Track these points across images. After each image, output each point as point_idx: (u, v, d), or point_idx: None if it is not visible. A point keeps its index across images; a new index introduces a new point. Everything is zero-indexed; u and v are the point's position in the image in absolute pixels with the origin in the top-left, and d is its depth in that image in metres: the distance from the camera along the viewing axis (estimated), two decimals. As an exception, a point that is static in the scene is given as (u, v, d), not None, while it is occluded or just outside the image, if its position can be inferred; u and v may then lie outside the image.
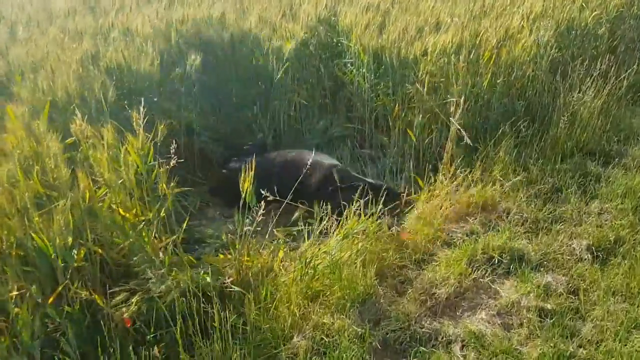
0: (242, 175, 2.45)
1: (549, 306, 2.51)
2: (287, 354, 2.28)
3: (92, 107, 2.94)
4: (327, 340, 2.32)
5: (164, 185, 2.55)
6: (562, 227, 3.07)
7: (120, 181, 2.44)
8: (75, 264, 2.37)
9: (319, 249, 2.62)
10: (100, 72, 3.27)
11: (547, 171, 3.49)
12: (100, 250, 2.45)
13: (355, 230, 2.70)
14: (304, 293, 2.51)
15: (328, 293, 2.57)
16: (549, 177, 3.44)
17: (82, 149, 2.59)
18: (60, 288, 2.21)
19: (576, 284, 2.66)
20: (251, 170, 2.42)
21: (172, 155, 2.61)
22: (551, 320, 2.43)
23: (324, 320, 2.38)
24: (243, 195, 2.47)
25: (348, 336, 2.33)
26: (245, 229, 2.45)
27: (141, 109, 2.54)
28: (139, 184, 2.63)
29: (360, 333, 2.35)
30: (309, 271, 2.53)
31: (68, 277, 2.23)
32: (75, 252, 2.39)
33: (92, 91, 2.96)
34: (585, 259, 2.83)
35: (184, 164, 3.78)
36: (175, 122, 3.63)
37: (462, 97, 3.41)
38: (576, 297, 2.59)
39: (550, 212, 3.18)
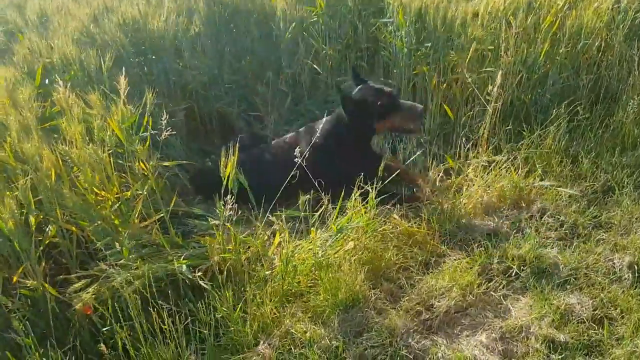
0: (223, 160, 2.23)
1: (562, 337, 2.12)
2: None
3: (91, 70, 2.77)
4: (294, 351, 2.10)
5: (142, 164, 2.38)
6: (604, 236, 2.61)
7: (93, 159, 2.28)
8: (47, 241, 2.30)
9: (302, 246, 2.37)
10: (111, 29, 3.08)
11: (600, 165, 2.96)
12: (74, 228, 2.34)
13: (350, 226, 2.41)
14: (282, 292, 2.29)
15: (311, 293, 2.33)
16: (602, 173, 2.92)
17: (65, 119, 2.45)
18: (20, 270, 2.13)
19: (604, 311, 2.25)
20: None
21: (165, 128, 2.43)
22: (560, 356, 2.06)
23: (294, 330, 2.15)
24: (224, 182, 2.26)
25: (319, 349, 2.09)
26: (214, 222, 2.23)
27: (122, 78, 2.35)
28: (122, 158, 2.48)
29: (333, 346, 2.11)
30: (289, 269, 2.30)
31: (35, 257, 2.15)
32: (50, 228, 2.32)
33: (92, 53, 2.78)
34: (625, 279, 2.39)
35: (201, 127, 3.64)
36: (191, 85, 3.45)
37: (500, 71, 2.92)
38: (600, 327, 2.19)
39: (595, 217, 2.71)
